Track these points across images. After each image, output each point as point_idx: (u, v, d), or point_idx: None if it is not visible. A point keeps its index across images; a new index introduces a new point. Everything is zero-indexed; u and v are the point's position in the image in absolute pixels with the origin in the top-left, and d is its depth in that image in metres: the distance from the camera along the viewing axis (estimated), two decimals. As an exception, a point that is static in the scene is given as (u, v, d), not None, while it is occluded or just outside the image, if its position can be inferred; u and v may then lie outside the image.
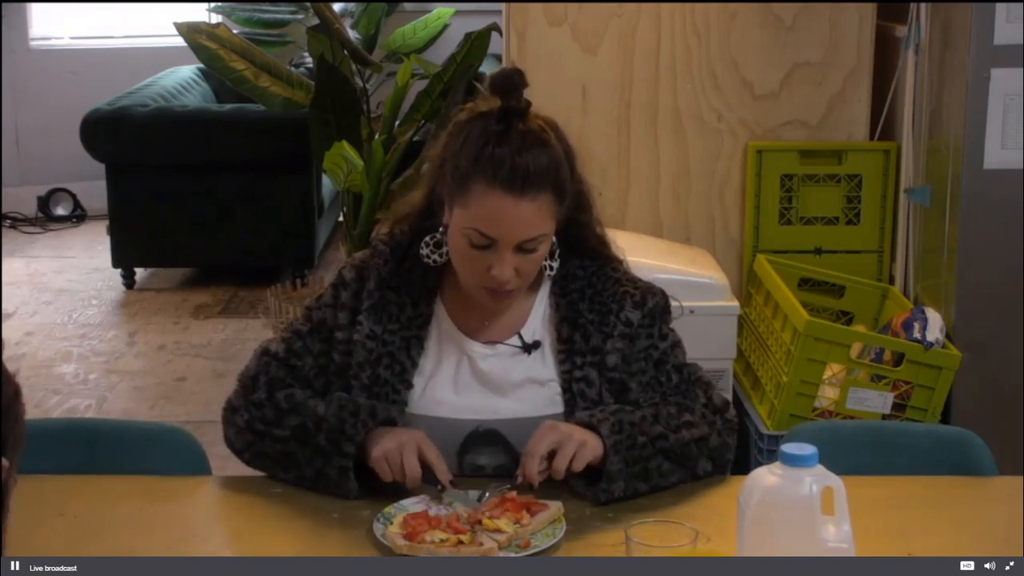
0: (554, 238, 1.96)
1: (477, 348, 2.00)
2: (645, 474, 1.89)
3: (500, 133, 1.87)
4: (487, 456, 1.98)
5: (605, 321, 1.98)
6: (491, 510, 1.79)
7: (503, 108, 1.89)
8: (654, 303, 2.01)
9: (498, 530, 1.75)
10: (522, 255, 1.88)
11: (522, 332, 2.00)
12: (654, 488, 1.91)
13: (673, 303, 2.05)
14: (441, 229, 1.96)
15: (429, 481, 1.87)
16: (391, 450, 1.87)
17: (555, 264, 1.98)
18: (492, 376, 1.98)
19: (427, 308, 2.01)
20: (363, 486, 1.90)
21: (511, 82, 1.88)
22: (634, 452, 1.88)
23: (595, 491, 1.87)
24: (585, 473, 1.88)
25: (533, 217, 1.86)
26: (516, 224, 1.86)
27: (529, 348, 1.99)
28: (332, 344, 2.00)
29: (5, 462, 1.00)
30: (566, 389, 1.97)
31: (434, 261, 1.98)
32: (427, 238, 1.98)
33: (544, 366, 1.99)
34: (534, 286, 2.02)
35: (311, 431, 1.92)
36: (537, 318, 2.01)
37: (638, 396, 1.97)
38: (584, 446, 1.85)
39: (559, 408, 1.96)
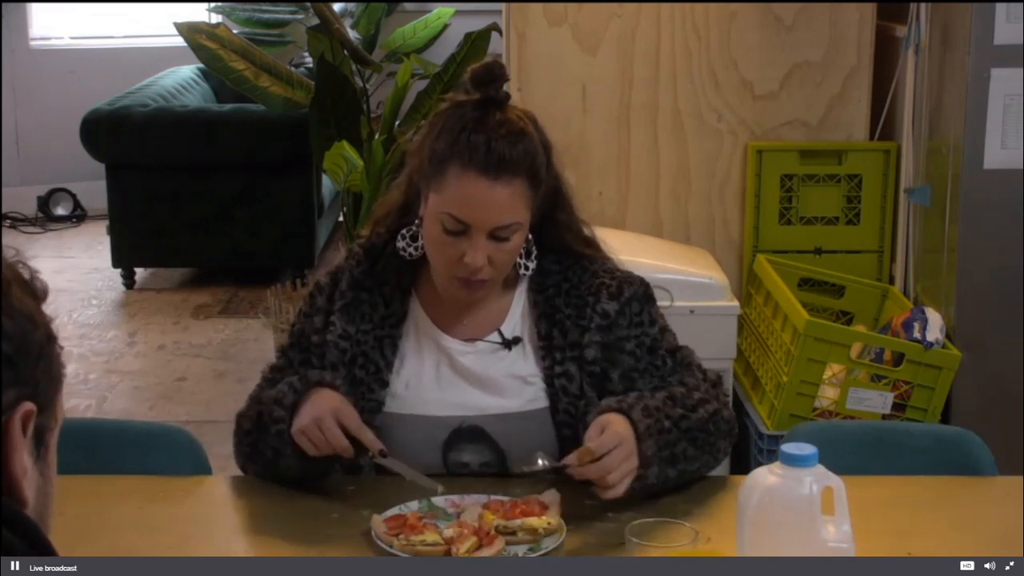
0: (530, 236, 1.96)
1: (455, 345, 2.00)
2: (672, 459, 1.87)
3: (477, 120, 1.89)
4: (471, 453, 1.98)
5: (582, 315, 1.98)
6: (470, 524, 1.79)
7: (482, 98, 1.91)
8: (631, 292, 2.00)
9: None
10: (495, 243, 1.89)
11: (502, 329, 2.00)
12: (680, 474, 1.89)
13: (663, 301, 2.05)
14: (417, 222, 1.97)
15: (361, 451, 1.87)
16: (307, 426, 1.86)
17: (531, 264, 1.99)
18: (473, 372, 1.99)
19: (401, 307, 2.01)
20: (309, 461, 1.89)
21: (491, 73, 1.91)
22: (663, 436, 1.86)
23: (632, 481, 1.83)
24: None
25: (507, 202, 1.87)
26: (490, 208, 1.86)
27: (510, 344, 1.99)
28: (310, 350, 2.01)
29: (30, 405, 1.05)
30: (549, 384, 1.97)
31: (409, 254, 1.98)
32: (403, 231, 1.98)
33: (526, 362, 1.99)
34: (511, 284, 2.03)
35: (263, 413, 1.94)
36: (516, 315, 2.02)
37: (620, 387, 1.97)
38: (632, 474, 1.82)
39: (543, 403, 1.97)
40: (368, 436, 1.86)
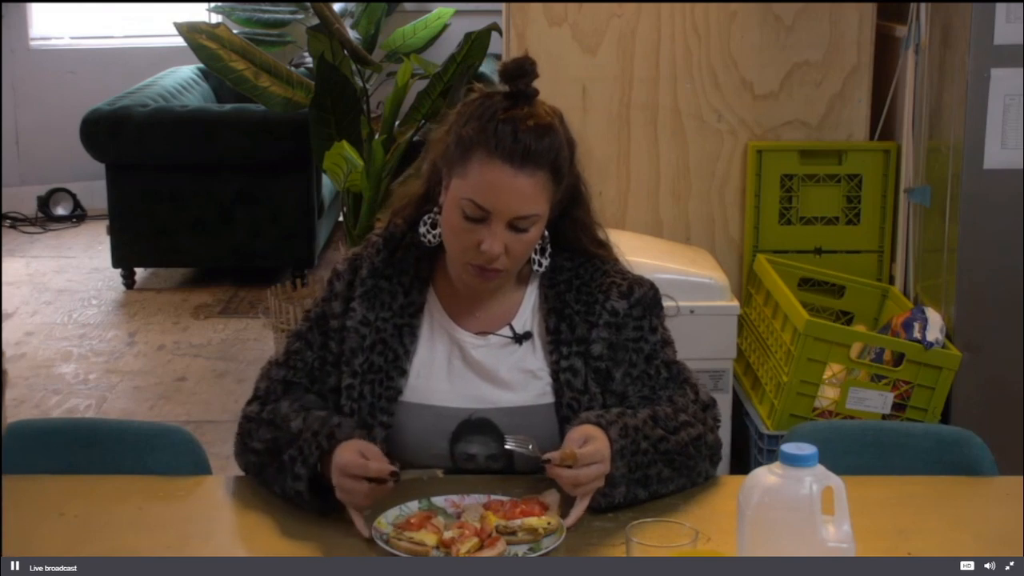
0: (546, 233, 1.97)
1: (468, 337, 2.01)
2: (645, 480, 1.90)
3: (506, 110, 1.91)
4: (479, 445, 1.98)
5: (591, 311, 1.99)
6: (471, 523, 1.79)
7: (511, 91, 1.93)
8: (641, 293, 2.02)
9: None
10: (513, 233, 1.90)
11: (513, 323, 2.02)
12: (652, 495, 1.92)
13: (669, 302, 2.06)
14: (436, 209, 1.98)
15: (382, 482, 1.84)
16: (344, 500, 1.84)
17: (545, 261, 2.00)
18: (484, 365, 2.00)
19: (419, 296, 2.03)
20: (329, 502, 1.88)
21: (521, 68, 1.93)
22: (637, 458, 1.88)
23: (595, 496, 1.86)
24: None
25: (529, 193, 1.88)
26: (512, 197, 1.88)
27: (520, 338, 2.00)
28: (329, 334, 2.02)
29: None
30: (555, 379, 1.98)
31: (428, 241, 1.99)
32: (425, 218, 1.99)
33: (535, 356, 2.00)
34: (523, 280, 2.04)
35: (281, 447, 1.92)
36: (527, 310, 2.03)
37: (622, 387, 1.98)
38: (600, 482, 1.85)
39: (550, 398, 1.98)
40: (374, 468, 1.82)
